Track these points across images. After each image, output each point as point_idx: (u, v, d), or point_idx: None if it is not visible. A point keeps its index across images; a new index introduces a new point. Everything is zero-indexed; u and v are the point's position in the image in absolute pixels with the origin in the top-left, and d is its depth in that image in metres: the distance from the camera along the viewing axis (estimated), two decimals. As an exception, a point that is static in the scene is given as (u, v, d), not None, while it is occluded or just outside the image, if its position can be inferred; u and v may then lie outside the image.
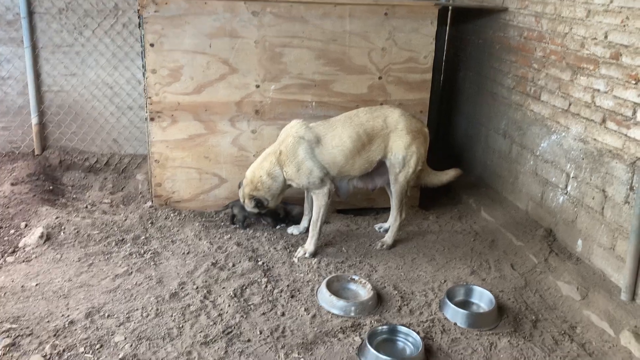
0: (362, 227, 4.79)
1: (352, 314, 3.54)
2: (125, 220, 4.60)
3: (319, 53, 4.71)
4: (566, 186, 4.34)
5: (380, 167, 4.34)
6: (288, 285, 3.83)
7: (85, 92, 5.69)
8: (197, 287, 3.74)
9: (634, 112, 3.67)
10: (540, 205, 4.67)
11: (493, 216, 4.95)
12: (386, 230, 4.59)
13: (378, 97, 4.88)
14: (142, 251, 4.16)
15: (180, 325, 3.35)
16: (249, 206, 4.31)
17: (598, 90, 4.00)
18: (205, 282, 3.81)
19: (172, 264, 4.03)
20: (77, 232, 4.31)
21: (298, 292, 3.77)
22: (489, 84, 5.54)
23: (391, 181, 4.32)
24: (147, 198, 5.08)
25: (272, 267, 4.07)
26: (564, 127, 4.37)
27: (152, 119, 4.59)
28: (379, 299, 3.73)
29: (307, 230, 4.49)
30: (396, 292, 3.83)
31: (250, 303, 3.62)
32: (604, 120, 3.95)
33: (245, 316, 3.48)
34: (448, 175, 4.57)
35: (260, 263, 4.09)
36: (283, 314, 3.53)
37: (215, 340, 3.23)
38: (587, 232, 4.10)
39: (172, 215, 4.73)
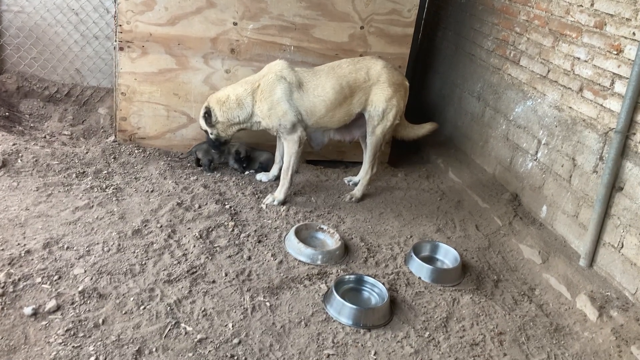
0: (331, 179, 4.74)
1: (319, 262, 3.52)
2: (87, 153, 4.41)
3: (301, -5, 4.54)
4: (536, 152, 4.39)
5: (359, 119, 4.26)
6: (255, 231, 3.77)
7: (49, 15, 5.33)
8: (161, 226, 3.63)
9: (612, 83, 3.69)
10: (509, 169, 4.72)
11: (460, 177, 4.98)
12: (355, 184, 4.56)
13: (358, 48, 4.76)
14: (104, 186, 4.00)
15: (143, 262, 3.26)
16: (201, 112, 4.16)
17: (578, 59, 4.00)
18: (170, 221, 3.71)
19: (135, 200, 3.89)
20: (36, 161, 4.10)
21: (265, 238, 3.72)
22: (467, 45, 5.49)
23: (368, 133, 4.26)
24: (109, 133, 4.88)
25: (240, 211, 3.99)
26: (541, 93, 4.38)
27: (121, 49, 4.35)
28: (346, 250, 3.72)
29: (276, 178, 4.42)
30: (363, 244, 3.83)
31: (216, 245, 3.54)
32: (581, 89, 3.97)
33: (210, 258, 3.41)
34: (424, 128, 4.55)
35: (227, 207, 4.00)
36: (249, 258, 3.48)
37: (179, 279, 3.16)
38: (552, 199, 4.16)
39: (136, 151, 4.56)
